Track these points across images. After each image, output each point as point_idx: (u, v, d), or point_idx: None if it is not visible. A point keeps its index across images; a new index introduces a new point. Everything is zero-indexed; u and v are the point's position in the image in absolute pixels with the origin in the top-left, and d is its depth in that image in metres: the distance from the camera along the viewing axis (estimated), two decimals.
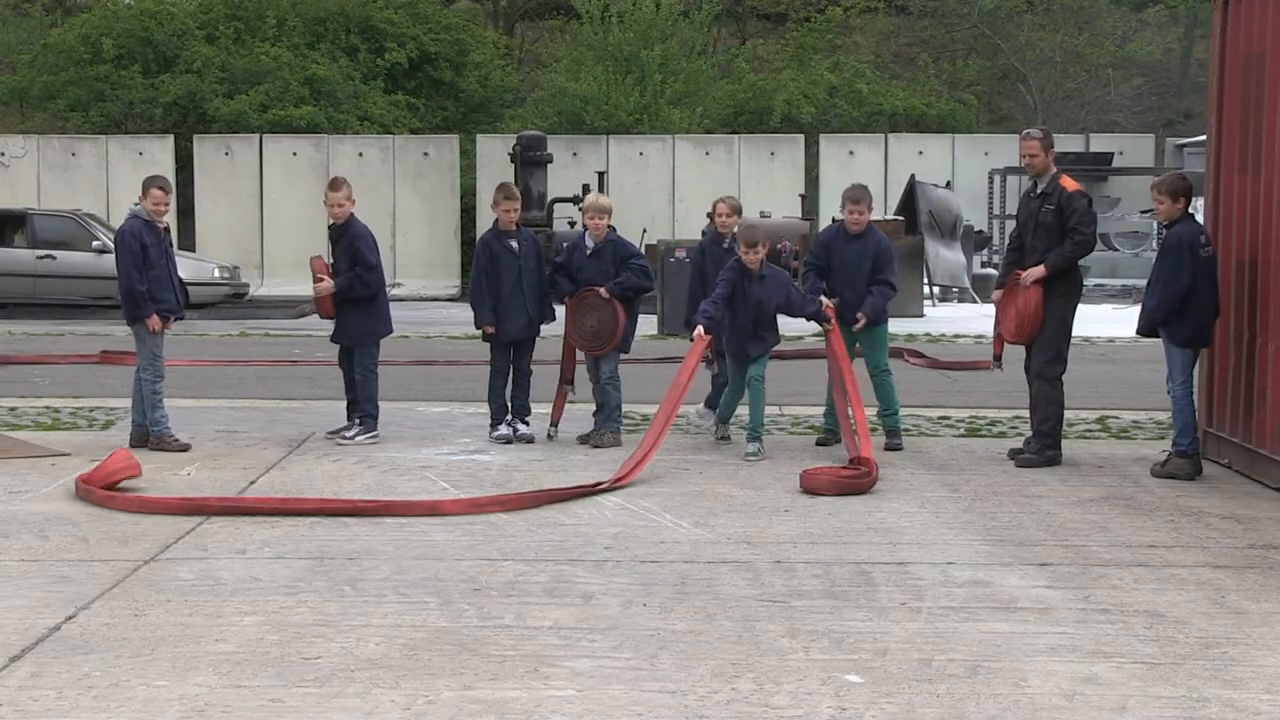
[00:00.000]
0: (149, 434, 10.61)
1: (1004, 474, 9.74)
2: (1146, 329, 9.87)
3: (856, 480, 9.11)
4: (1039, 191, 10.16)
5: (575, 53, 35.68)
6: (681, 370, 10.22)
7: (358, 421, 10.90)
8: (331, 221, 11.11)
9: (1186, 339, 9.65)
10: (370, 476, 9.56)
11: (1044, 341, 10.02)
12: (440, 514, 8.38)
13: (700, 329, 10.16)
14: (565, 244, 11.58)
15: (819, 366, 15.60)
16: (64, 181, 30.18)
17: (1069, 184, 10.07)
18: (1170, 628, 6.18)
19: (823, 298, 10.61)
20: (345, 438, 10.78)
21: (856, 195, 10.82)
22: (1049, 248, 9.95)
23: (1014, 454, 10.20)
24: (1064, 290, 10.02)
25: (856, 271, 10.70)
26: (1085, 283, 11.58)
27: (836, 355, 10.46)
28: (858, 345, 10.86)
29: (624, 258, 10.85)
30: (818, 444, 10.82)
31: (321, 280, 10.89)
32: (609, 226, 10.96)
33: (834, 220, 12.20)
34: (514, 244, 10.94)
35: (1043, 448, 10.02)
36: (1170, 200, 9.70)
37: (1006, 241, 11.37)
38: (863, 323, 10.65)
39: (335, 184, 11.04)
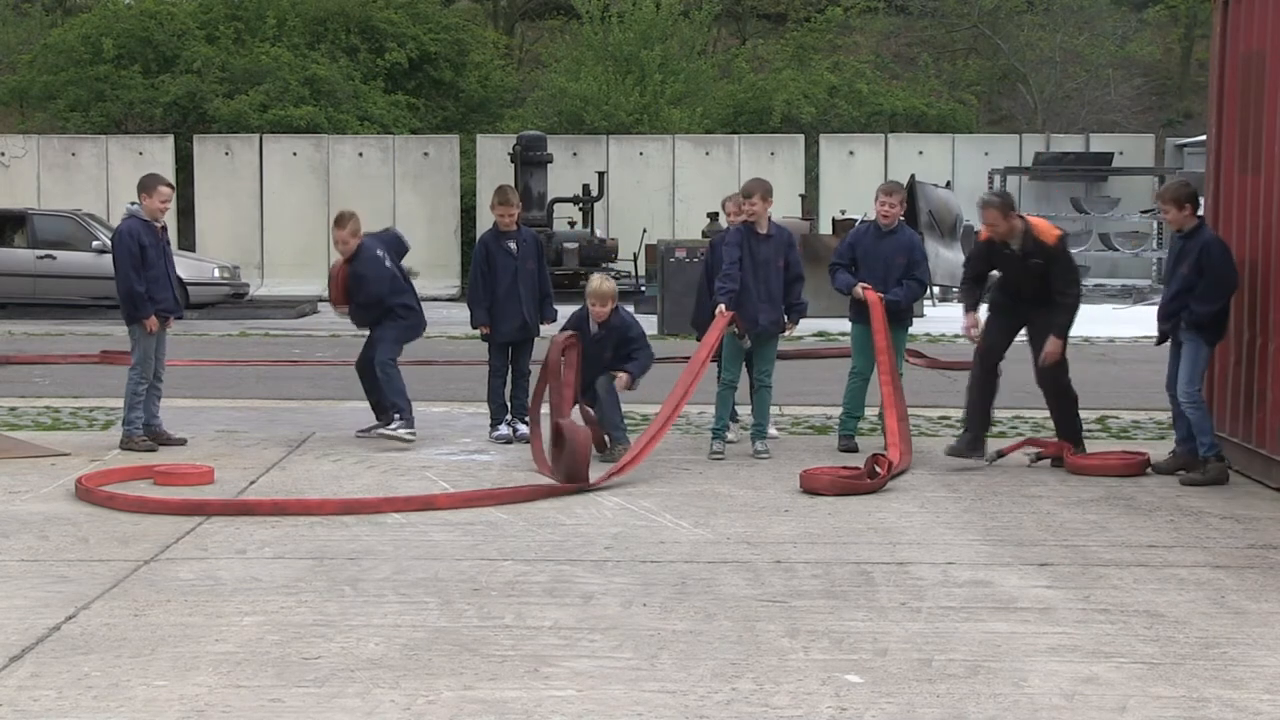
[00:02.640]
0: (155, 430, 10.61)
1: (1004, 474, 9.74)
2: (1174, 332, 9.66)
3: (856, 481, 9.11)
4: (1019, 251, 9.92)
5: (575, 53, 35.69)
6: (700, 349, 10.13)
7: (397, 416, 10.74)
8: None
9: (1218, 337, 9.63)
10: (370, 476, 9.55)
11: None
12: (435, 508, 8.43)
13: (722, 306, 9.97)
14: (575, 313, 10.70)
15: (819, 366, 15.64)
16: (64, 181, 30.16)
17: (1046, 235, 9.94)
18: (1170, 628, 6.18)
19: (858, 288, 10.30)
20: (388, 430, 10.64)
21: (890, 188, 10.69)
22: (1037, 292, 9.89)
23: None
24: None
25: (888, 267, 10.45)
26: (1085, 283, 11.45)
27: (878, 349, 10.22)
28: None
29: (624, 340, 10.42)
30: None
31: (338, 306, 11.17)
32: (614, 307, 10.43)
33: (863, 219, 11.96)
34: (512, 244, 10.91)
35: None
36: (1175, 208, 9.50)
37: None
38: (878, 303, 10.23)
39: (340, 220, 10.83)
